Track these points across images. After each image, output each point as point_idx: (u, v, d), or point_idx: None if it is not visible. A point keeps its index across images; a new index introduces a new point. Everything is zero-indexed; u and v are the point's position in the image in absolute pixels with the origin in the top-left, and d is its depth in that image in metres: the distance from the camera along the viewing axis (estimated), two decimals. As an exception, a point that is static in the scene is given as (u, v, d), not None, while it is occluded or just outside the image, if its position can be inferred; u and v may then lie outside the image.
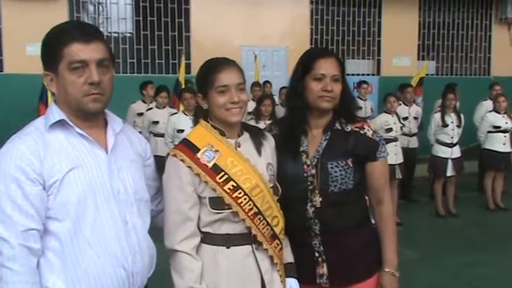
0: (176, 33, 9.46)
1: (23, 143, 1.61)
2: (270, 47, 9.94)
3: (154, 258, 1.88)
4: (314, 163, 2.08)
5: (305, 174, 2.08)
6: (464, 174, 7.06)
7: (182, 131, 5.60)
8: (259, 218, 1.91)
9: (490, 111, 7.19)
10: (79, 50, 1.61)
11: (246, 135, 2.02)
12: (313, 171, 2.07)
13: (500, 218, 6.93)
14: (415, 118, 7.40)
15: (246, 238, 1.92)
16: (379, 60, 10.87)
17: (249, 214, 1.89)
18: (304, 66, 2.11)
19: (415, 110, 7.44)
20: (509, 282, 4.62)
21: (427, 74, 9.60)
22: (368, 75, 10.57)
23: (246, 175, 1.90)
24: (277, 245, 1.98)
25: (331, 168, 2.05)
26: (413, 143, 7.34)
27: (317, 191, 2.06)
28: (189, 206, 1.87)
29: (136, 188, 1.79)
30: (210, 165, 1.88)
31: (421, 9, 11.06)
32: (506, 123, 6.99)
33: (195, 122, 5.55)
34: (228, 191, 1.87)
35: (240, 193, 1.88)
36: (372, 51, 10.88)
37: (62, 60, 1.62)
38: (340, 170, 2.06)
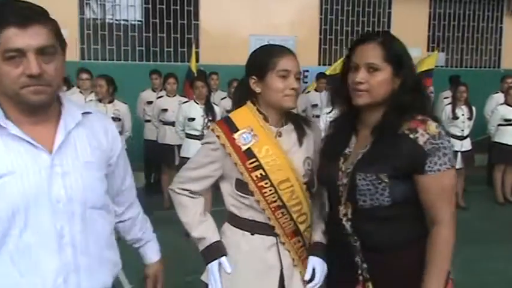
0: (185, 22, 9.41)
1: None
2: (278, 37, 9.82)
3: (109, 271, 1.64)
4: (348, 170, 1.80)
5: (338, 183, 1.83)
6: (473, 167, 7.00)
7: (193, 119, 5.59)
8: (282, 212, 1.89)
9: (501, 104, 7.14)
10: (15, 35, 1.35)
11: (290, 126, 1.99)
12: (344, 181, 1.80)
13: (509, 211, 6.89)
14: None
15: (271, 229, 1.91)
16: (388, 51, 10.76)
17: (271, 206, 1.87)
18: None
19: None
20: (519, 276, 4.60)
21: (436, 66, 9.50)
22: (377, 66, 10.44)
23: (278, 167, 1.88)
24: (298, 241, 1.95)
25: (358, 180, 1.75)
26: None
27: (348, 203, 1.80)
28: (203, 174, 1.95)
29: (86, 195, 1.52)
30: (244, 148, 1.87)
31: (431, 0, 10.96)
32: (517, 116, 6.93)
33: (206, 111, 5.60)
34: (255, 178, 1.86)
35: (266, 183, 1.86)
36: (382, 42, 10.77)
37: None
38: (368, 184, 1.73)
